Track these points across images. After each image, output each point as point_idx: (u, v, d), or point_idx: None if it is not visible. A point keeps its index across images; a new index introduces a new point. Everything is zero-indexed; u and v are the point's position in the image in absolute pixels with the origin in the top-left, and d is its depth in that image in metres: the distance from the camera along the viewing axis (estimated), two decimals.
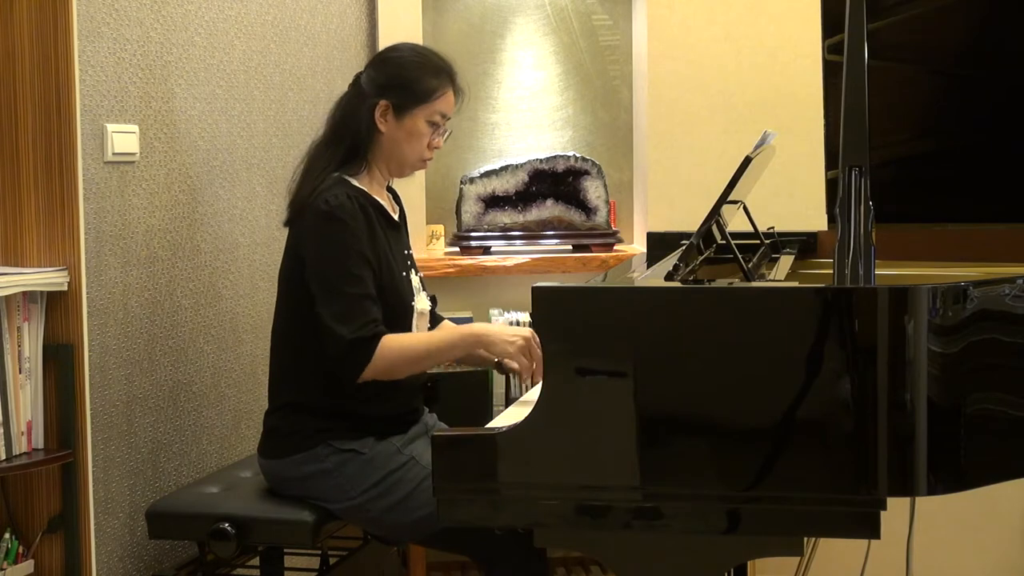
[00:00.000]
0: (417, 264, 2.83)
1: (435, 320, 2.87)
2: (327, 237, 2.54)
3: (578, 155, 3.87)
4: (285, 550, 2.82)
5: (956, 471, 2.00)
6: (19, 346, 2.47)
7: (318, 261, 2.54)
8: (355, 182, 2.63)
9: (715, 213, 2.30)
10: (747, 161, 2.35)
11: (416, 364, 2.57)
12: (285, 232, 2.69)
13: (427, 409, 2.81)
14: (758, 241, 2.77)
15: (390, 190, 2.82)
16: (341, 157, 2.64)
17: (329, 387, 2.57)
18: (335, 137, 2.66)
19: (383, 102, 2.63)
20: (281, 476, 2.65)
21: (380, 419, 2.63)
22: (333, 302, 2.50)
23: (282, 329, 2.68)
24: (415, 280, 2.73)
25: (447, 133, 2.72)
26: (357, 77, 2.70)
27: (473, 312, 3.71)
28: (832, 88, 2.81)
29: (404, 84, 2.63)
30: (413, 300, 2.68)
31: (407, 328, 2.65)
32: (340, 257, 2.52)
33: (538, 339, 2.54)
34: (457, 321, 3.04)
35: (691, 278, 2.21)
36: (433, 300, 2.84)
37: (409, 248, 2.80)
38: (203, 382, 3.02)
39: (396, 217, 2.75)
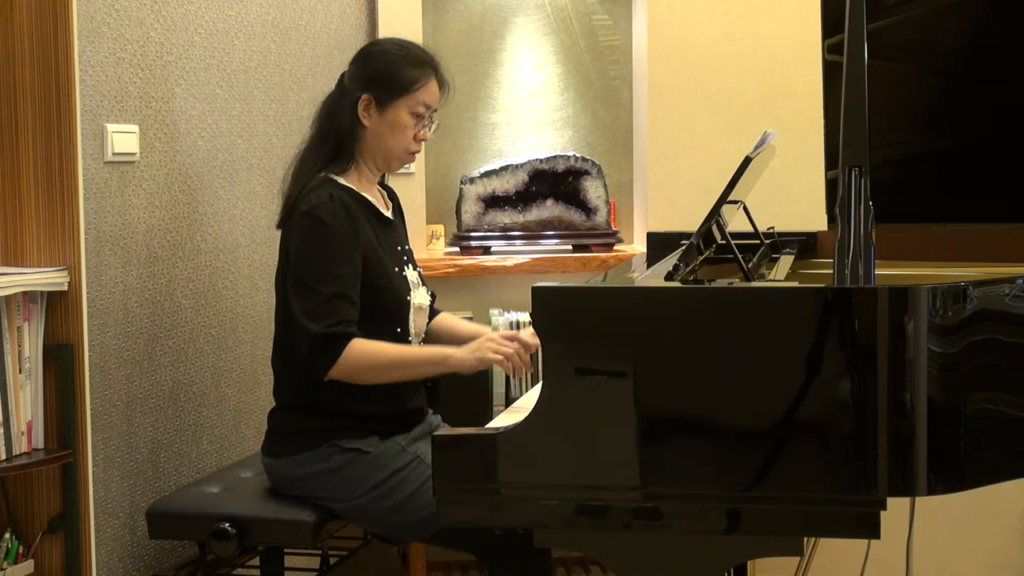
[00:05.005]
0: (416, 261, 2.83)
1: (433, 315, 2.87)
2: (306, 237, 2.55)
3: (578, 155, 3.87)
4: (285, 550, 2.82)
5: (956, 471, 2.00)
6: (19, 346, 2.47)
7: (296, 260, 2.56)
8: (342, 180, 2.64)
9: (715, 213, 2.30)
10: (747, 161, 2.35)
11: (382, 372, 2.55)
12: None
13: (431, 410, 2.81)
14: (758, 241, 2.77)
15: (385, 187, 2.83)
16: (328, 156, 2.65)
17: (332, 387, 2.57)
18: (321, 137, 2.68)
19: (365, 96, 2.64)
20: (285, 475, 2.65)
21: (384, 418, 2.63)
22: (307, 299, 2.51)
23: (282, 331, 2.68)
24: (412, 275, 2.73)
25: (434, 125, 2.73)
26: (341, 77, 2.72)
27: (473, 312, 3.71)
28: (832, 88, 2.81)
29: (385, 77, 2.65)
30: (409, 295, 2.68)
31: (404, 323, 2.66)
32: (317, 256, 2.53)
33: (503, 334, 2.60)
34: None
35: (691, 278, 2.21)
36: (432, 296, 2.85)
37: (406, 244, 2.80)
38: (203, 382, 3.02)
39: (388, 213, 2.75)
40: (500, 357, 2.55)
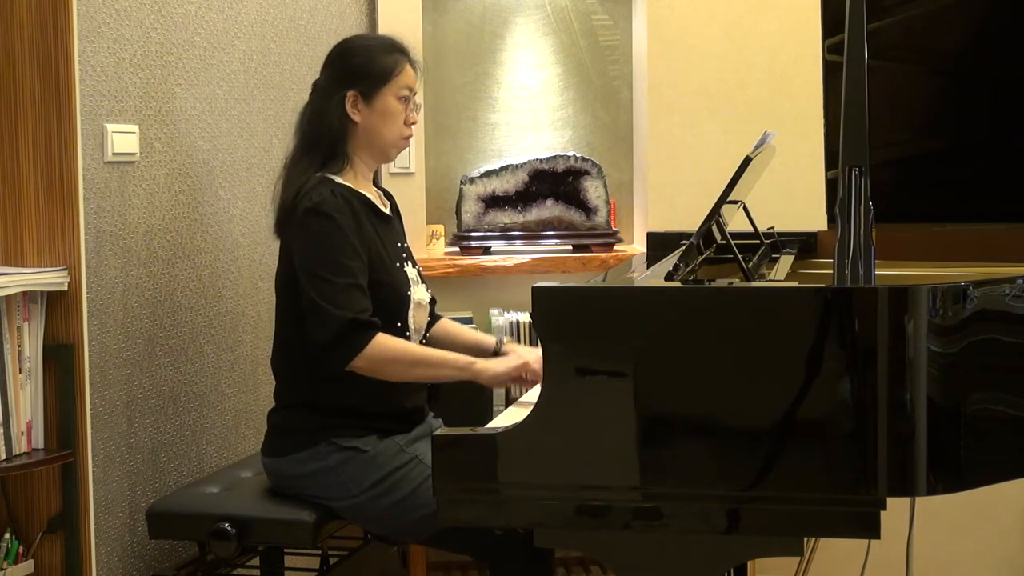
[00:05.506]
0: (415, 259, 2.84)
1: (434, 319, 2.87)
2: (314, 232, 2.56)
3: (578, 155, 3.87)
4: (285, 550, 2.82)
5: (956, 471, 2.00)
6: (19, 346, 2.47)
7: (307, 256, 2.56)
8: (339, 179, 2.65)
9: (715, 213, 2.30)
10: (747, 161, 2.35)
11: (406, 369, 2.57)
12: None
13: (431, 413, 2.81)
14: (758, 241, 2.77)
15: (380, 188, 2.84)
16: (320, 160, 2.66)
17: (333, 386, 2.58)
18: (309, 144, 2.68)
19: (351, 93, 2.66)
20: (284, 474, 2.66)
21: (383, 417, 2.64)
22: (324, 288, 2.52)
23: (283, 332, 2.69)
24: (411, 272, 2.74)
25: (419, 108, 2.76)
26: (315, 84, 2.73)
27: (473, 312, 3.71)
28: (832, 88, 2.81)
29: (364, 70, 2.68)
30: (409, 291, 2.69)
31: (404, 318, 2.66)
32: (328, 250, 2.54)
33: (532, 366, 2.60)
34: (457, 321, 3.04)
35: (691, 278, 2.21)
36: (432, 301, 2.85)
37: (404, 241, 2.81)
38: (203, 382, 3.02)
39: (386, 210, 2.76)
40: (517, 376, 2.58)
